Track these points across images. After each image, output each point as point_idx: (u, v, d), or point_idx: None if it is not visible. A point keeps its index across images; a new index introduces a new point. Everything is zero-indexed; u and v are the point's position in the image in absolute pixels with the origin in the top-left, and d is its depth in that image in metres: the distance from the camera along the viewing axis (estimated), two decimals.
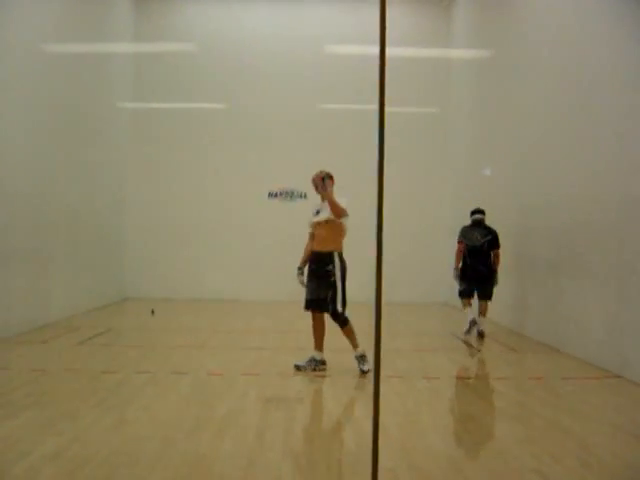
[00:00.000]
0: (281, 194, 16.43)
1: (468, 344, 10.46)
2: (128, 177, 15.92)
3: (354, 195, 15.84)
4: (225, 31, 16.50)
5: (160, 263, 16.15)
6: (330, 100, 16.15)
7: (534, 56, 11.08)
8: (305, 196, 16.30)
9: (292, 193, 16.40)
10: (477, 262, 11.05)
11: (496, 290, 11.01)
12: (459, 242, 11.30)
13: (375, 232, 3.00)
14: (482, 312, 11.01)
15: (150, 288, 15.89)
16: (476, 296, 11.19)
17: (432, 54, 16.26)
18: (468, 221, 11.32)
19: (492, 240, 11.08)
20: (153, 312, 12.98)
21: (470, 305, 11.16)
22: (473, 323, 10.89)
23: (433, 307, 14.97)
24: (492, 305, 11.07)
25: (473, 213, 11.42)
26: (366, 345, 7.82)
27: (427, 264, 15.27)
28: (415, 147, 15.71)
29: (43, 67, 11.14)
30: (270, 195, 16.35)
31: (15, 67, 10.05)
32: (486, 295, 11.07)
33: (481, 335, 10.80)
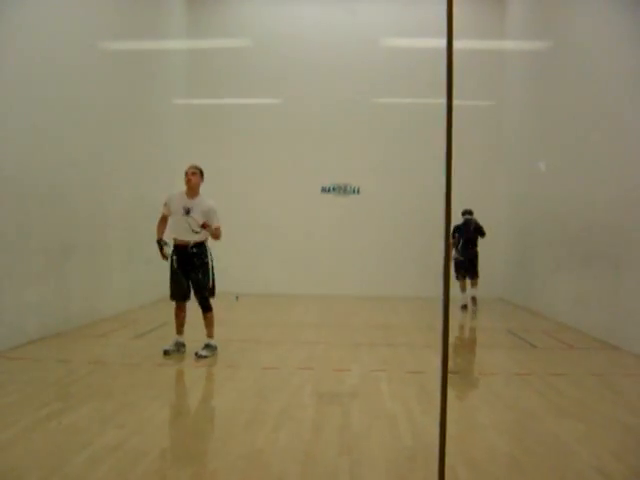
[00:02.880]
0: (334, 189, 16.40)
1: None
2: (181, 172, 16.03)
3: (403, 187, 15.87)
4: (279, 26, 16.49)
5: (216, 258, 16.23)
6: (384, 94, 16.04)
7: (591, 48, 10.88)
8: (358, 191, 16.28)
9: (345, 188, 16.37)
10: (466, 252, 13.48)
11: (553, 286, 10.99)
12: (453, 237, 13.24)
13: (443, 226, 2.96)
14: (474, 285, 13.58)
15: None
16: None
17: (487, 46, 16.04)
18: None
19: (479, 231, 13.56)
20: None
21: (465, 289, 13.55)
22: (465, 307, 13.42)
23: (489, 302, 14.82)
24: (549, 301, 10.96)
25: (464, 213, 13.39)
26: (431, 340, 7.73)
27: (481, 259, 15.09)
28: (470, 141, 15.55)
29: (100, 65, 11.28)
30: (323, 190, 16.33)
31: (73, 65, 10.19)
32: (474, 275, 13.57)
33: (473, 300, 13.30)
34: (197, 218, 8.22)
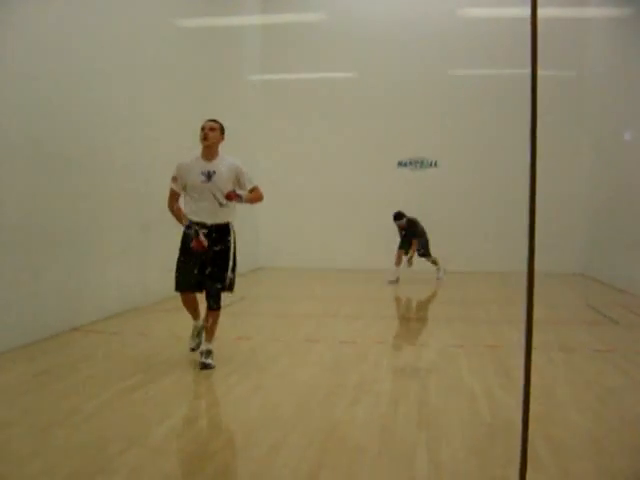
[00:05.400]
0: (411, 163, 16.28)
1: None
2: (258, 148, 16.12)
3: (482, 160, 15.63)
4: None
5: (292, 233, 16.33)
6: (461, 66, 15.79)
7: None
8: (436, 164, 16.11)
9: (422, 162, 16.23)
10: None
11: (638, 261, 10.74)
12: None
13: (528, 201, 2.88)
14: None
15: (283, 258, 16.12)
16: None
17: (568, 13, 15.55)
18: None
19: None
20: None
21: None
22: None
23: (568, 277, 14.55)
24: (632, 277, 10.70)
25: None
26: (510, 315, 7.59)
27: (562, 233, 14.78)
28: (550, 113, 15.18)
29: (175, 42, 11.40)
30: (400, 164, 16.23)
31: (148, 43, 10.31)
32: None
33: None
34: (223, 184, 6.40)
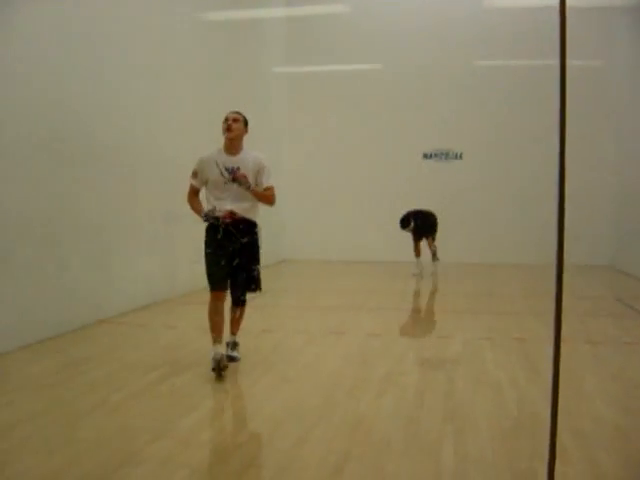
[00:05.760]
0: (436, 155, 16.21)
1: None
2: (283, 141, 16.12)
3: (508, 152, 15.52)
4: None
5: (317, 226, 16.33)
6: (486, 57, 15.67)
7: None
8: (461, 156, 16.03)
9: (447, 153, 16.17)
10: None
11: None
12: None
13: (557, 192, 2.85)
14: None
15: (307, 250, 16.12)
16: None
17: (593, 2, 15.32)
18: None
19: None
20: None
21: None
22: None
23: (596, 270, 14.43)
24: None
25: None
26: (536, 307, 7.55)
27: (590, 225, 14.64)
28: (576, 102, 15.02)
29: (199, 36, 11.42)
30: (425, 156, 16.17)
31: (174, 37, 10.35)
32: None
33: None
34: (247, 180, 5.99)
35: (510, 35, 15.13)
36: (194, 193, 6.27)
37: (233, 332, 6.50)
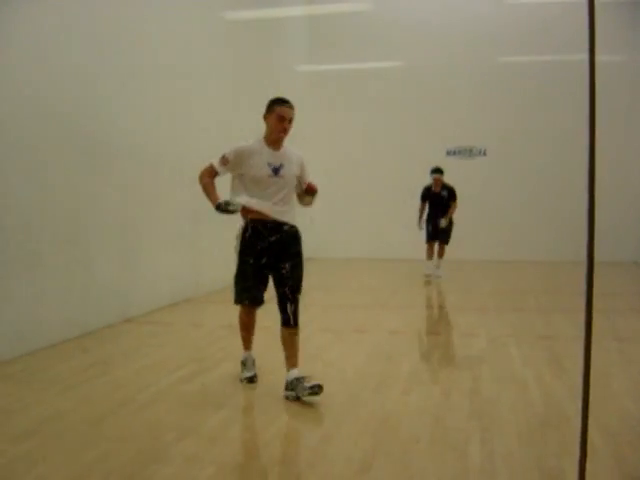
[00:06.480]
0: (459, 151, 16.16)
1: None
2: (306, 139, 16.12)
3: (532, 148, 15.43)
4: None
5: (341, 224, 16.33)
6: (509, 53, 15.59)
7: None
8: (485, 153, 15.97)
9: (471, 150, 16.11)
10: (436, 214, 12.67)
11: None
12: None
13: (587, 189, 2.84)
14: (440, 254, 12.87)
15: (332, 248, 16.10)
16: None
17: None
18: None
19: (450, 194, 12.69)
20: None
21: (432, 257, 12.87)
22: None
23: (624, 266, 14.32)
24: None
25: (433, 172, 12.78)
26: (561, 304, 7.50)
27: (618, 221, 14.52)
28: (602, 97, 14.88)
29: (222, 34, 11.47)
30: (448, 153, 16.10)
31: (196, 36, 10.40)
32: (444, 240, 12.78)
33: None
34: (292, 180, 5.54)
35: (533, 30, 15.07)
36: (210, 174, 5.52)
37: (294, 364, 5.47)
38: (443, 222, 12.38)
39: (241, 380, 5.73)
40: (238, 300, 5.67)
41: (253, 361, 5.86)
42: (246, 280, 5.54)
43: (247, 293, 5.58)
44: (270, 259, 5.44)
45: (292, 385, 5.25)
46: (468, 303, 9.99)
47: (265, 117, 5.50)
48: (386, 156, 16.21)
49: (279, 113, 5.36)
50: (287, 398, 5.25)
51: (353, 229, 16.27)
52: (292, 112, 5.44)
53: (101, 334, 7.61)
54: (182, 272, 9.94)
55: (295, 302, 5.46)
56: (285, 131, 5.41)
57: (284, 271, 5.44)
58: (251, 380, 5.69)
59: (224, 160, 5.45)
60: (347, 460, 4.02)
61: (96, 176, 7.77)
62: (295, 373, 5.33)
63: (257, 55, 13.02)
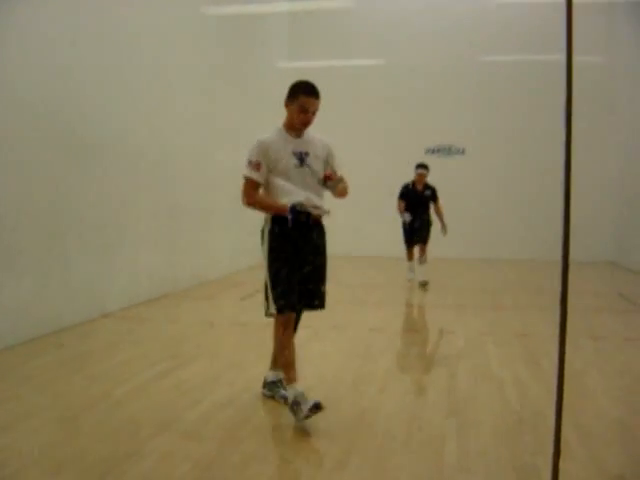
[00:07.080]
0: (439, 150, 16.20)
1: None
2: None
3: (510, 147, 15.50)
4: None
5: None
6: (490, 52, 15.66)
7: None
8: (463, 152, 16.04)
9: (450, 148, 16.16)
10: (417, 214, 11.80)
11: None
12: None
13: (563, 190, 2.86)
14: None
15: None
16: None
17: None
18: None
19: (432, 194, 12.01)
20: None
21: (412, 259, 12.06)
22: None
23: (599, 266, 14.43)
24: None
25: (419, 167, 12.10)
26: (538, 303, 7.54)
27: (593, 221, 14.62)
28: (579, 97, 14.93)
29: (203, 30, 11.43)
30: (428, 151, 16.11)
31: (177, 32, 10.35)
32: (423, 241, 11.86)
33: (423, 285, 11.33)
34: (319, 168, 5.06)
35: (513, 31, 15.17)
36: (254, 189, 4.86)
37: (292, 378, 4.95)
38: (444, 232, 11.76)
39: (300, 420, 4.55)
40: (279, 308, 4.98)
41: (302, 394, 4.68)
42: (285, 283, 4.92)
43: (287, 299, 4.96)
44: (303, 256, 5.03)
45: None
46: (446, 301, 10.02)
47: (286, 104, 4.93)
48: (366, 153, 16.17)
49: (302, 104, 4.80)
50: (264, 395, 5.27)
51: (332, 226, 16.21)
52: (318, 103, 4.89)
53: (78, 329, 7.55)
54: (160, 268, 9.89)
55: (323, 295, 5.38)
56: (307, 124, 4.90)
57: (314, 266, 5.14)
58: (318, 407, 4.51)
59: (255, 165, 4.78)
60: (323, 456, 4.03)
61: (74, 171, 7.72)
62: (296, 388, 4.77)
63: (238, 51, 12.98)
